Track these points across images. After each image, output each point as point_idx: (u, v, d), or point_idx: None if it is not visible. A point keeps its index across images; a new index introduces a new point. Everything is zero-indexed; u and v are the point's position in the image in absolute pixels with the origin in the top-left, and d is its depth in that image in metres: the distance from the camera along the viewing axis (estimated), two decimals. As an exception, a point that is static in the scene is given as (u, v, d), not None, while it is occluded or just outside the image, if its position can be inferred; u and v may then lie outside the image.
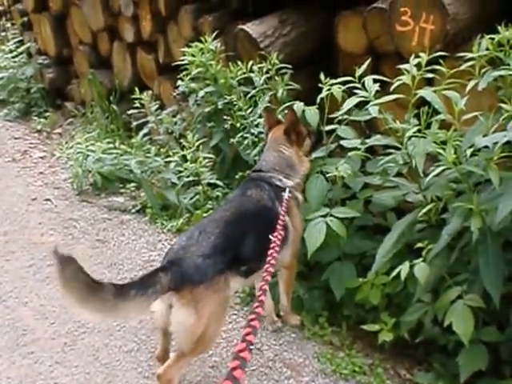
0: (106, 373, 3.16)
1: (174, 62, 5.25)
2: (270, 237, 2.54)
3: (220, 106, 4.19)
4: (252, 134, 3.90)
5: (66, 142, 6.64)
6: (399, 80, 2.79)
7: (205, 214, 4.18)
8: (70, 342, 3.43)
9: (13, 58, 8.28)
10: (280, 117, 3.70)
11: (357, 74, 3.07)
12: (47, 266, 4.23)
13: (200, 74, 4.32)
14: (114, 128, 6.33)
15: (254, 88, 4.07)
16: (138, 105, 5.23)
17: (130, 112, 5.43)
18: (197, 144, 4.13)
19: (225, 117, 4.16)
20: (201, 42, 4.43)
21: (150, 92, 5.28)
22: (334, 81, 3.30)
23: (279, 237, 2.56)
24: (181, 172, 4.55)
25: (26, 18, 8.33)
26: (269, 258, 2.30)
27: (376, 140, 3.09)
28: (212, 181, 4.20)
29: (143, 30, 5.79)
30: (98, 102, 6.71)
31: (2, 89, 8.47)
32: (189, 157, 4.08)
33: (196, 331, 2.61)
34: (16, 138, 7.30)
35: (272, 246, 2.44)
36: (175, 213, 4.75)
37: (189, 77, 4.39)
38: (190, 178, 4.32)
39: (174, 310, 2.61)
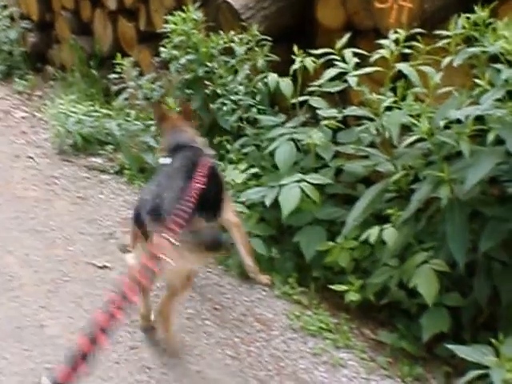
0: (89, 318, 3.05)
1: (155, 31, 5.10)
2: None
3: (200, 74, 4.04)
4: (231, 101, 3.77)
5: (46, 104, 6.41)
6: (378, 54, 2.69)
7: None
8: (53, 289, 3.33)
9: (-6, 21, 7.93)
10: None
11: (336, 47, 2.97)
12: (30, 219, 4.08)
13: (182, 43, 4.14)
14: (93, 92, 6.10)
15: (234, 58, 3.94)
16: (118, 70, 5.02)
17: (110, 77, 5.20)
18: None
19: (206, 82, 4.00)
20: (183, 11, 4.25)
21: (132, 59, 5.06)
22: (313, 51, 3.18)
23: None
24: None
25: (9, -18, 7.94)
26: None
27: (352, 110, 3.00)
28: (190, 145, 4.06)
29: (126, 0, 5.55)
30: (79, 66, 6.45)
31: (-16, 51, 8.12)
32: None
33: (183, 268, 2.60)
34: (-3, 99, 7.02)
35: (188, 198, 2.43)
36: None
37: (171, 44, 4.20)
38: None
39: None
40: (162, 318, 2.80)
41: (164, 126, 3.35)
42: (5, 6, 7.99)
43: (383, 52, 2.68)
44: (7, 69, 7.84)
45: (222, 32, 4.04)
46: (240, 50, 3.81)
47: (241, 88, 3.78)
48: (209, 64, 4.08)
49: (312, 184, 3.10)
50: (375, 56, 2.72)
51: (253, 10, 3.98)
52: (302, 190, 3.05)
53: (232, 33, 3.87)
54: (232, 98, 3.78)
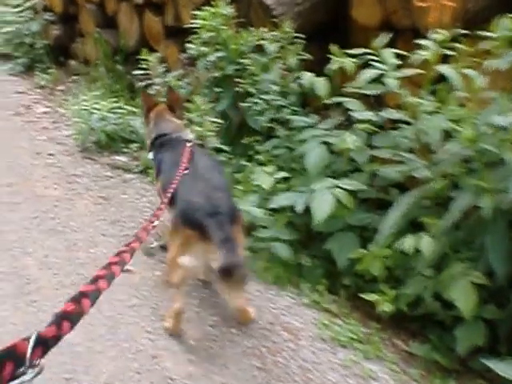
0: (109, 325, 3.08)
1: (182, 26, 5.13)
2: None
3: (230, 72, 4.06)
4: (263, 101, 3.78)
5: (69, 100, 6.49)
6: (419, 54, 2.68)
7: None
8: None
9: (19, 13, 8.06)
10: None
11: (374, 47, 2.96)
12: (50, 219, 4.13)
13: (211, 39, 4.17)
14: (118, 88, 6.17)
15: (266, 55, 3.95)
16: (144, 66, 5.07)
17: (135, 73, 5.25)
18: (204, 108, 3.99)
19: (238, 79, 4.01)
20: (212, 6, 4.28)
21: (158, 54, 5.10)
22: (349, 51, 3.17)
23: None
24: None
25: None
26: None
27: (389, 114, 2.99)
28: (217, 145, 4.08)
29: (153, -7, 5.61)
30: (103, 61, 6.54)
31: (6, 43, 8.28)
32: (196, 120, 3.96)
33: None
34: (20, 93, 7.13)
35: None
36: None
37: (199, 40, 4.23)
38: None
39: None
40: None
41: (150, 115, 3.63)
42: (27, -2, 8.11)
43: (424, 53, 2.66)
44: (29, 62, 7.99)
45: (252, 28, 4.06)
46: (272, 47, 3.82)
47: (273, 87, 3.78)
48: (239, 61, 4.09)
49: (345, 190, 3.09)
50: (415, 57, 2.70)
51: (285, 7, 3.99)
52: (335, 196, 3.04)
53: (263, 29, 3.87)
54: (263, 97, 3.78)
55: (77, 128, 5.49)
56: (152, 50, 5.80)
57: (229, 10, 4.20)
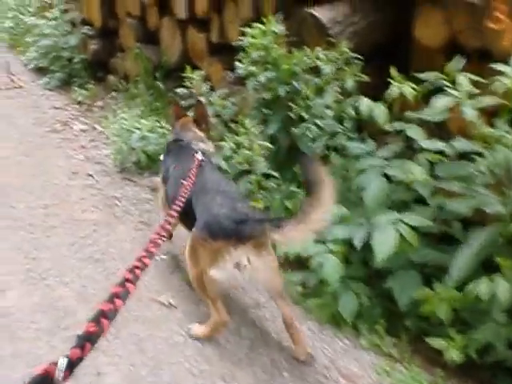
0: (152, 366, 2.97)
1: (228, 43, 5.07)
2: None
3: (281, 93, 3.96)
4: (316, 126, 3.67)
5: (107, 117, 6.48)
6: (501, 82, 2.54)
7: (256, 204, 4.01)
8: (113, 330, 3.23)
9: (56, 26, 8.13)
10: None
11: (447, 71, 2.84)
12: (89, 245, 4.07)
13: (260, 58, 4.08)
14: (158, 106, 6.13)
15: (320, 77, 3.85)
16: (187, 84, 5.02)
17: (178, 90, 5.20)
18: (254, 131, 3.90)
19: (289, 102, 3.92)
20: (262, 23, 4.20)
21: (203, 72, 5.04)
22: (417, 76, 3.04)
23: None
24: (231, 158, 4.37)
25: (73, -14, 8.13)
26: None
27: (462, 144, 2.85)
28: (267, 171, 3.97)
29: (197, 7, 5.55)
30: (143, 77, 6.52)
31: (43, 56, 8.35)
32: (246, 143, 3.86)
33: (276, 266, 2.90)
34: (56, 108, 7.16)
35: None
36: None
37: (248, 60, 4.14)
38: (243, 167, 4.09)
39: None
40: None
41: (175, 123, 3.87)
42: (65, 11, 8.17)
43: (507, 81, 2.52)
44: (66, 76, 8.04)
45: (304, 48, 3.96)
46: (327, 68, 3.71)
47: (327, 111, 3.67)
48: (291, 83, 3.99)
49: (409, 225, 2.95)
50: (497, 85, 2.56)
51: (341, 25, 3.89)
52: (399, 232, 2.90)
53: (318, 49, 3.77)
54: (317, 122, 3.67)
55: (115, 147, 5.45)
56: (194, 67, 5.79)
57: (280, 28, 4.11)
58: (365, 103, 3.36)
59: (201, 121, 3.82)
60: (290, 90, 3.97)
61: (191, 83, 4.98)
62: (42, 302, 3.47)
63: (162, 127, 5.39)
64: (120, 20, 7.21)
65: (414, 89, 3.13)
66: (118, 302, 1.54)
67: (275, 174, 3.98)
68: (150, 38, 6.71)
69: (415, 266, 3.16)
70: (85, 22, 7.96)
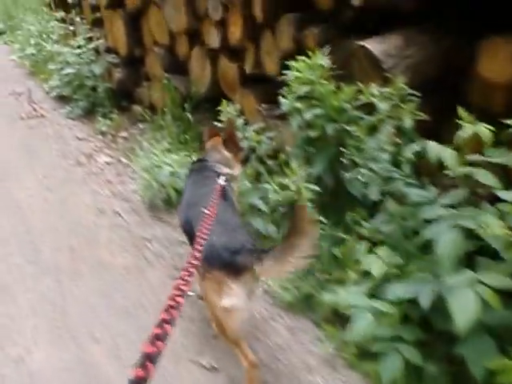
0: None
1: (263, 74, 4.79)
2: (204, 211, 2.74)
3: (329, 132, 3.63)
4: (370, 170, 3.33)
5: (133, 149, 6.20)
6: None
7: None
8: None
9: (80, 54, 7.90)
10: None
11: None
12: (120, 296, 3.75)
13: (307, 93, 3.77)
14: (187, 138, 5.83)
15: (371, 114, 3.53)
16: (222, 118, 4.73)
17: (214, 124, 4.91)
18: (300, 172, 3.57)
19: (338, 141, 3.60)
20: (304, 55, 3.91)
21: (238, 106, 4.74)
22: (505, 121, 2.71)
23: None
24: (268, 198, 4.08)
25: (97, 14, 7.89)
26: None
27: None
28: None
29: (231, 36, 5.26)
30: (171, 108, 6.23)
31: (66, 85, 8.12)
32: (292, 186, 3.54)
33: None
34: (80, 139, 6.88)
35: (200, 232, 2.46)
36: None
37: (293, 95, 3.84)
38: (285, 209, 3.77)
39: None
40: None
41: (206, 144, 3.78)
42: (90, 39, 7.95)
43: None
44: (89, 105, 7.79)
45: (353, 82, 3.65)
46: (382, 105, 3.38)
47: (381, 154, 3.33)
48: (339, 121, 3.68)
49: (489, 286, 2.59)
50: None
51: (395, 59, 3.57)
52: (478, 295, 2.55)
53: (373, 85, 3.45)
54: (370, 165, 3.32)
55: (143, 183, 5.15)
56: (225, 99, 5.51)
57: (327, 62, 3.81)
58: (432, 146, 3.02)
59: (229, 141, 3.68)
60: (339, 129, 3.65)
61: (226, 117, 4.68)
62: (72, 359, 3.18)
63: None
64: (146, 48, 6.95)
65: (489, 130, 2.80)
66: (159, 344, 1.51)
67: (322, 219, 3.64)
68: (177, 67, 6.43)
69: (491, 330, 2.80)
70: (109, 50, 7.72)
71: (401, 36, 3.70)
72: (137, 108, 7.20)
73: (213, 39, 5.53)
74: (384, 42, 3.65)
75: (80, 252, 4.27)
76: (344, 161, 3.65)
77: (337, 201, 3.81)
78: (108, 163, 6.11)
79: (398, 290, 2.97)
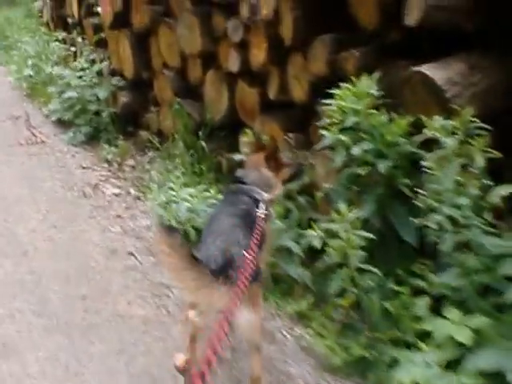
0: None
1: (292, 100, 4.36)
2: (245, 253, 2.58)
3: (382, 169, 3.16)
4: (434, 212, 2.82)
5: (142, 179, 5.73)
6: None
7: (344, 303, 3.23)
8: None
9: (82, 76, 7.42)
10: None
11: None
12: (141, 355, 3.25)
13: (356, 125, 3.32)
14: (202, 169, 5.34)
15: (430, 150, 3.07)
16: (245, 149, 4.31)
17: (236, 157, 4.46)
18: (351, 216, 3.09)
19: (391, 180, 3.15)
20: (340, 81, 3.48)
21: (265, 137, 4.26)
22: None
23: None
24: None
25: (101, 34, 7.43)
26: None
27: None
28: (362, 265, 3.15)
29: (253, 60, 4.79)
30: (183, 135, 5.75)
31: (67, 109, 7.63)
32: (343, 234, 3.05)
33: (259, 324, 2.70)
34: (84, 168, 6.39)
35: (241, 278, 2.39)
36: (291, 290, 3.80)
37: (337, 127, 3.38)
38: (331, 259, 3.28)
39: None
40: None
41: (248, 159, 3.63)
42: (93, 61, 7.49)
43: None
44: (92, 131, 7.34)
45: (410, 114, 3.21)
46: (449, 141, 2.92)
47: (451, 197, 2.85)
48: (393, 156, 3.22)
49: None
50: None
51: (459, 87, 3.13)
52: None
53: (436, 117, 2.99)
54: (445, 210, 2.82)
55: (158, 219, 4.65)
56: (242, 126, 5.07)
57: (375, 89, 3.36)
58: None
59: (271, 158, 3.46)
60: (395, 165, 3.19)
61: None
62: None
63: (211, 197, 4.57)
64: (155, 71, 6.48)
65: None
66: None
67: (373, 268, 3.16)
68: (189, 91, 5.98)
69: None
70: (114, 73, 7.25)
71: (463, 60, 3.26)
72: (144, 134, 6.71)
73: (232, 62, 5.07)
74: (445, 67, 3.20)
75: (92, 301, 3.77)
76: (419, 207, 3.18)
77: (387, 248, 3.34)
78: (116, 195, 5.62)
79: (480, 361, 2.50)
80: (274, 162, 3.43)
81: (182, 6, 5.74)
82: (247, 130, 4.30)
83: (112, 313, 3.66)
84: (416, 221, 2.92)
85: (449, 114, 3.02)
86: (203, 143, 5.50)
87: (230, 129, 5.47)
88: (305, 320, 3.58)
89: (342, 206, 3.09)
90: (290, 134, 4.53)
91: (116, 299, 3.81)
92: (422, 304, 2.97)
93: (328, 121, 3.48)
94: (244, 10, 4.73)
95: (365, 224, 3.28)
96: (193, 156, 5.59)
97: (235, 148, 5.29)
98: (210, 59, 5.54)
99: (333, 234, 3.16)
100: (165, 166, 5.77)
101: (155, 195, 4.74)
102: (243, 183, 3.29)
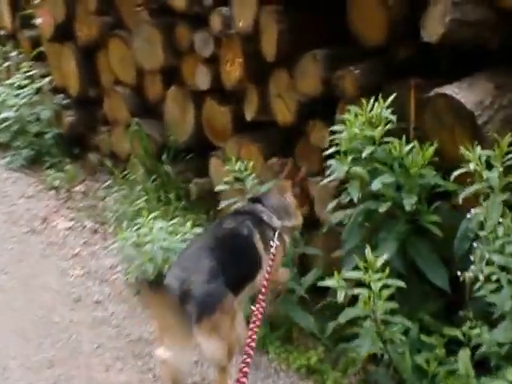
0: None
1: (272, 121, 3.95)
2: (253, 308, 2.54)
3: (408, 207, 2.75)
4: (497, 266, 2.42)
5: (95, 206, 5.16)
6: None
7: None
8: None
9: (19, 95, 6.71)
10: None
11: None
12: None
13: (370, 156, 2.90)
14: (169, 197, 4.80)
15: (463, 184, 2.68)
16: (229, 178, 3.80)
17: (217, 189, 3.96)
18: (375, 262, 2.65)
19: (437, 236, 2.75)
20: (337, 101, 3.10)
21: (251, 163, 3.78)
22: None
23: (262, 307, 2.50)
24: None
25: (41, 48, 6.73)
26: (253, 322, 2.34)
27: None
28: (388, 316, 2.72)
29: (226, 76, 4.30)
30: (143, 159, 5.20)
31: (3, 130, 6.82)
32: (374, 288, 2.60)
33: (226, 348, 2.62)
34: (28, 197, 5.71)
35: (253, 320, 2.37)
36: (290, 336, 3.36)
37: (349, 156, 2.95)
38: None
39: (201, 343, 2.57)
40: None
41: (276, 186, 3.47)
42: (32, 77, 6.78)
43: None
44: (34, 154, 6.59)
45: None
46: (491, 174, 2.53)
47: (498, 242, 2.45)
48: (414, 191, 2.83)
49: None
50: None
51: (491, 111, 2.75)
52: None
53: (477, 147, 2.59)
54: (495, 258, 2.41)
55: (123, 256, 4.11)
56: (212, 148, 4.61)
57: (387, 113, 2.95)
58: None
59: (297, 186, 3.43)
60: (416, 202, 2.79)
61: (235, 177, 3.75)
62: None
63: (184, 232, 4.04)
64: (105, 88, 5.88)
65: None
66: None
67: (405, 320, 2.74)
68: (148, 110, 5.45)
69: None
70: (57, 90, 6.57)
71: (489, 80, 2.89)
72: (94, 157, 6.12)
73: (201, 79, 4.57)
74: (471, 88, 2.82)
75: (63, 368, 3.20)
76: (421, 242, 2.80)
77: (409, 292, 2.92)
78: (71, 228, 4.99)
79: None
80: (300, 190, 3.40)
81: (137, 17, 5.20)
82: (231, 157, 3.79)
83: (87, 381, 3.10)
84: (459, 273, 2.51)
85: (481, 142, 2.65)
86: (168, 167, 4.97)
87: (197, 151, 4.97)
88: (315, 376, 3.12)
89: (368, 252, 2.65)
90: (274, 159, 4.08)
91: (90, 363, 3.25)
92: (463, 359, 2.58)
93: (334, 149, 3.06)
94: (215, 22, 4.25)
95: (384, 267, 2.86)
96: (155, 182, 5.05)
97: (204, 172, 4.84)
98: (171, 75, 5.03)
99: (356, 283, 2.71)
100: (122, 194, 5.19)
101: (112, 226, 4.18)
102: (261, 203, 3.26)
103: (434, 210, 2.87)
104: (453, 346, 2.73)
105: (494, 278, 2.39)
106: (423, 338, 2.80)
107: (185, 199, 4.83)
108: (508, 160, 2.57)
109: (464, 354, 2.59)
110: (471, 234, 2.64)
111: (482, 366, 2.59)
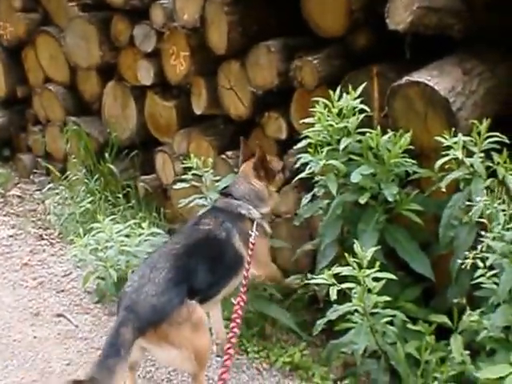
0: None
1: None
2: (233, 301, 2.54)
3: (389, 197, 2.62)
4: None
5: (36, 211, 4.78)
6: None
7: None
8: None
9: None
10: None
11: None
12: None
13: (352, 148, 2.75)
14: (118, 196, 4.49)
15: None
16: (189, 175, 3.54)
17: (176, 187, 3.69)
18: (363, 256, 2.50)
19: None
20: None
21: (210, 159, 3.55)
22: None
23: (243, 300, 2.49)
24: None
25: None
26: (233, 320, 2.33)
27: None
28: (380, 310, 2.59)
29: (171, 71, 4.04)
30: (83, 158, 4.84)
31: None
32: (367, 283, 2.45)
33: (186, 357, 2.53)
34: (-42, 206, 5.21)
35: (236, 308, 2.40)
36: (263, 333, 3.21)
37: (323, 150, 2.79)
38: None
39: (153, 353, 2.62)
40: None
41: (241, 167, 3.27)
42: None
43: None
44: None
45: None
46: (474, 160, 2.44)
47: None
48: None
49: None
50: None
51: (462, 97, 2.66)
52: None
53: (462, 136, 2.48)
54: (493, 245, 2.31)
55: (78, 262, 3.81)
56: (157, 144, 4.35)
57: (356, 102, 2.80)
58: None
59: (259, 167, 3.11)
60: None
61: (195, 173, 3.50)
62: None
63: (141, 233, 3.76)
64: (35, 87, 5.42)
65: None
66: None
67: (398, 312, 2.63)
68: (83, 108, 5.08)
69: None
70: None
71: (456, 65, 2.79)
72: (26, 158, 5.66)
73: (143, 74, 4.28)
74: (443, 75, 2.70)
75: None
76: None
77: (388, 282, 2.80)
78: (13, 236, 4.58)
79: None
80: (263, 170, 3.11)
81: (67, 12, 4.80)
82: (190, 155, 3.55)
83: (64, 403, 2.81)
84: (459, 260, 2.40)
85: (455, 128, 2.55)
86: (111, 166, 4.64)
87: (141, 147, 4.66)
88: (300, 372, 2.96)
89: (357, 246, 2.50)
90: (229, 153, 3.87)
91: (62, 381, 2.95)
92: (457, 345, 2.50)
93: (305, 143, 2.88)
94: (157, 16, 3.96)
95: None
96: (98, 181, 4.71)
97: (150, 169, 4.56)
98: (107, 71, 4.68)
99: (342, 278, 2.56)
100: (64, 196, 4.82)
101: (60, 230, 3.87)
102: (232, 196, 3.07)
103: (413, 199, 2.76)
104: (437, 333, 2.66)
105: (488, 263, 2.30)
106: (409, 326, 2.70)
107: (132, 198, 4.52)
108: (486, 145, 2.50)
109: (457, 341, 2.51)
110: (455, 222, 2.56)
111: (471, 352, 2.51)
